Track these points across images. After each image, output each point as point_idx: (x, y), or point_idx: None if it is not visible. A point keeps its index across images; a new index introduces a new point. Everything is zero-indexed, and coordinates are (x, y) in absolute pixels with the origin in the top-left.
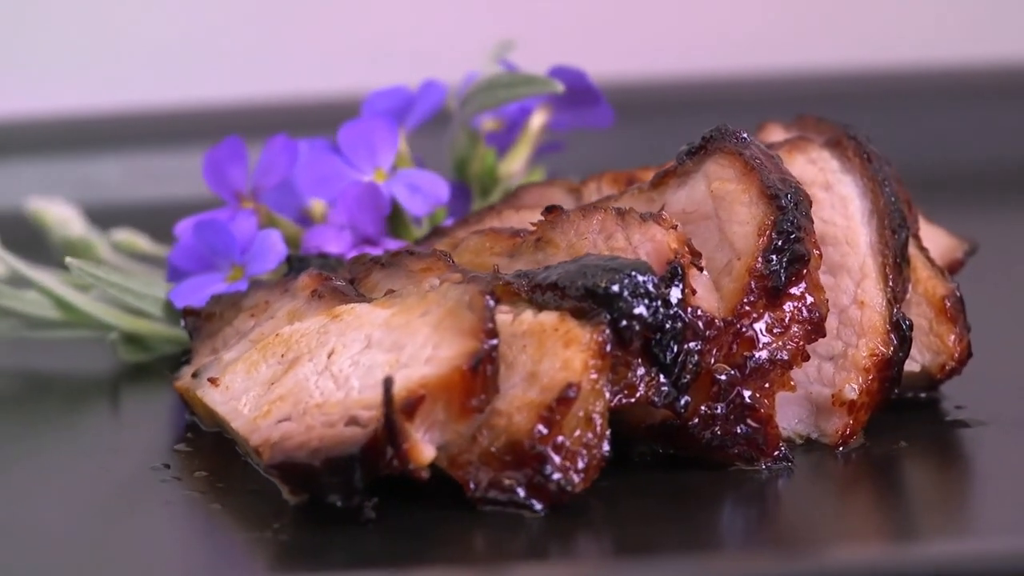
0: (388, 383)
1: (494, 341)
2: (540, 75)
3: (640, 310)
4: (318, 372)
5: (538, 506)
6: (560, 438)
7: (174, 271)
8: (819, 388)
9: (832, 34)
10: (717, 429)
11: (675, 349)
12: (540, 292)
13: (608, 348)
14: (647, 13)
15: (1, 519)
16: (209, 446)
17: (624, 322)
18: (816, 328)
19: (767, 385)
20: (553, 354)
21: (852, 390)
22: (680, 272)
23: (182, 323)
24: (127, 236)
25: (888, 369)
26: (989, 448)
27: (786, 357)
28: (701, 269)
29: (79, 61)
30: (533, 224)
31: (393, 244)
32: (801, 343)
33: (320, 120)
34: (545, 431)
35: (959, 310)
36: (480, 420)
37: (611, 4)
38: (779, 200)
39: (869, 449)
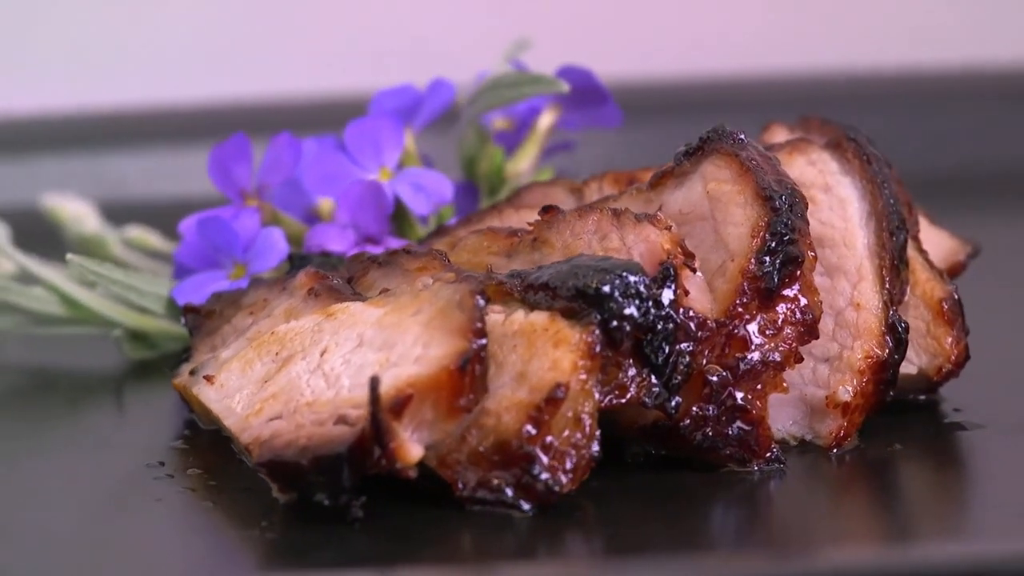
0: (374, 382)
1: (483, 341)
2: (545, 75)
3: (630, 311)
4: (310, 371)
5: (526, 506)
6: (549, 438)
7: (180, 268)
8: (813, 390)
9: (839, 36)
10: (709, 430)
11: (666, 350)
12: (532, 292)
13: (598, 349)
14: (658, 14)
15: None
16: (206, 444)
17: (614, 323)
18: (809, 330)
19: (759, 386)
20: (543, 354)
21: (846, 392)
22: (672, 273)
23: (182, 320)
24: (139, 233)
25: (883, 371)
26: (985, 451)
27: (778, 358)
28: (694, 270)
29: (95, 59)
30: (530, 224)
31: (396, 243)
32: (794, 345)
33: (334, 118)
34: (533, 431)
35: (957, 313)
36: (469, 420)
37: (623, 5)
38: (773, 202)
39: (864, 451)
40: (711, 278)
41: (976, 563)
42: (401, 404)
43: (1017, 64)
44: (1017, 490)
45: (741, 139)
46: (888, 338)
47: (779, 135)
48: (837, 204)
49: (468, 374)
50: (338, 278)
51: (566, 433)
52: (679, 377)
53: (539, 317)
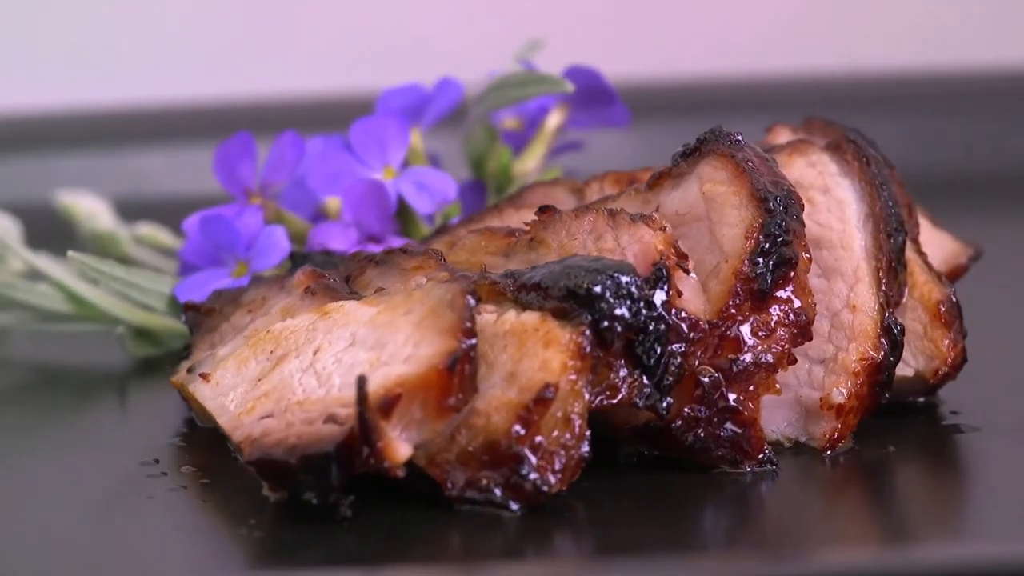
0: (361, 381)
1: (472, 341)
2: (551, 75)
3: (621, 311)
4: (303, 369)
5: (514, 506)
6: (538, 438)
7: (185, 266)
8: (808, 391)
9: (846, 37)
10: (700, 431)
11: (658, 351)
12: (525, 292)
13: (588, 349)
14: (667, 14)
15: None
16: (203, 442)
17: (605, 323)
18: (802, 331)
19: (751, 388)
20: (533, 354)
21: (840, 394)
22: (665, 274)
23: (182, 318)
24: (149, 230)
25: (878, 373)
26: (981, 453)
27: (771, 360)
28: (687, 271)
29: (112, 57)
30: (526, 224)
31: (398, 242)
32: (787, 346)
33: (346, 116)
34: (522, 431)
35: (954, 315)
36: (458, 419)
37: (632, 5)
38: (768, 203)
39: (858, 453)
40: (706, 279)
41: (971, 564)
42: (390, 403)
43: (1022, 66)
44: (1012, 492)
45: (738, 140)
46: (883, 340)
47: (782, 136)
48: (835, 206)
49: (457, 374)
50: (336, 277)
51: (555, 433)
52: (670, 378)
53: (530, 317)
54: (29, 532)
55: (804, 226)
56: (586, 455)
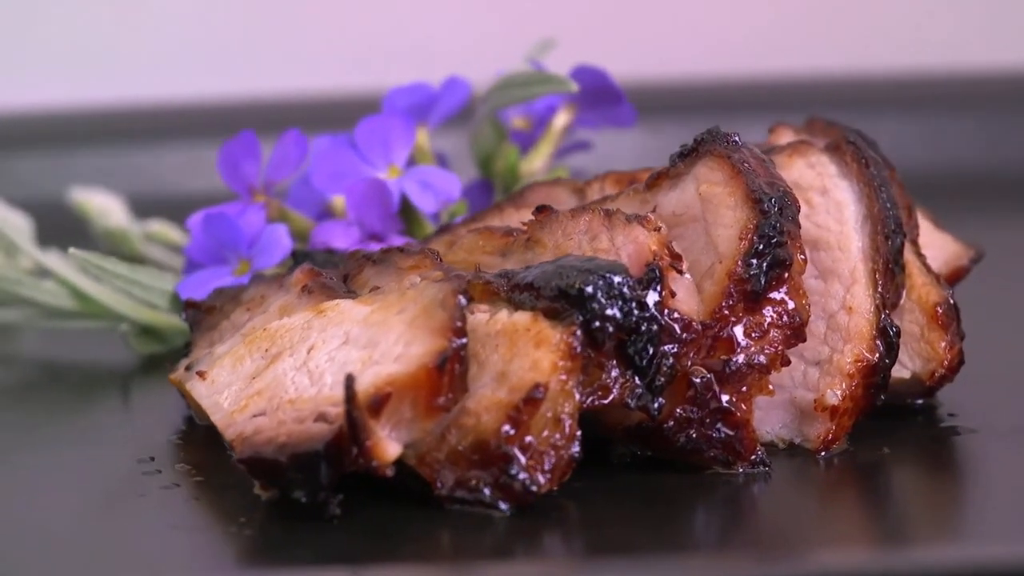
0: (349, 380)
1: (462, 340)
2: (556, 74)
3: (613, 311)
4: (296, 368)
5: (504, 506)
6: (528, 438)
7: (190, 263)
8: (803, 393)
9: (853, 38)
10: (692, 432)
11: (650, 351)
12: (518, 292)
13: (578, 349)
14: (678, 15)
15: None
16: (200, 439)
17: (596, 323)
18: (796, 333)
19: (744, 389)
20: (523, 354)
21: (834, 395)
22: (658, 274)
23: (183, 315)
24: (160, 227)
25: (873, 375)
26: (976, 455)
27: (764, 361)
28: (680, 272)
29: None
30: (523, 224)
31: (401, 241)
32: (780, 347)
33: (355, 115)
34: (512, 431)
35: (951, 317)
36: (449, 419)
37: (645, 5)
38: (762, 204)
39: (853, 455)
40: (700, 280)
41: (965, 566)
42: (380, 402)
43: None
44: (1007, 494)
45: (735, 141)
46: (879, 342)
47: (785, 137)
48: (833, 207)
49: (447, 373)
50: (334, 275)
51: (545, 433)
52: (662, 379)
53: (522, 317)
54: (20, 528)
55: (799, 227)
56: (577, 455)
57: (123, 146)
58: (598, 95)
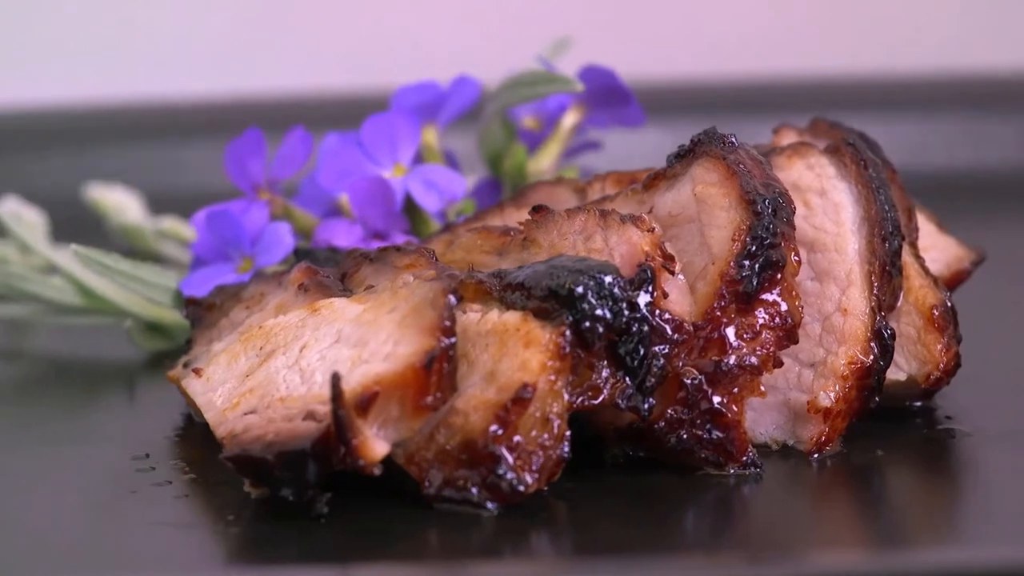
0: (335, 379)
1: (451, 340)
2: (562, 74)
3: (603, 312)
4: (288, 366)
5: (491, 505)
6: (516, 438)
7: (196, 261)
8: (797, 394)
9: (863, 39)
10: (684, 433)
11: (641, 352)
12: (510, 291)
13: (567, 349)
14: (694, 15)
15: None
16: (197, 437)
17: (587, 323)
18: (788, 334)
19: (736, 390)
20: (513, 354)
21: (827, 397)
22: (649, 275)
23: (183, 312)
24: (172, 224)
25: (867, 377)
26: (970, 458)
27: (755, 362)
28: (672, 272)
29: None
30: (520, 223)
31: (403, 239)
32: (772, 349)
33: (369, 113)
34: (499, 431)
35: (948, 320)
36: (438, 418)
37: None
38: (756, 206)
39: (846, 457)
40: (694, 280)
41: (958, 568)
42: (367, 401)
43: None
44: (1001, 497)
45: (732, 142)
46: (874, 344)
47: (789, 138)
48: (831, 209)
49: (434, 372)
50: (331, 274)
51: (533, 433)
52: (652, 380)
53: (512, 317)
54: (8, 524)
55: (794, 229)
56: (566, 455)
57: (144, 143)
58: (607, 95)
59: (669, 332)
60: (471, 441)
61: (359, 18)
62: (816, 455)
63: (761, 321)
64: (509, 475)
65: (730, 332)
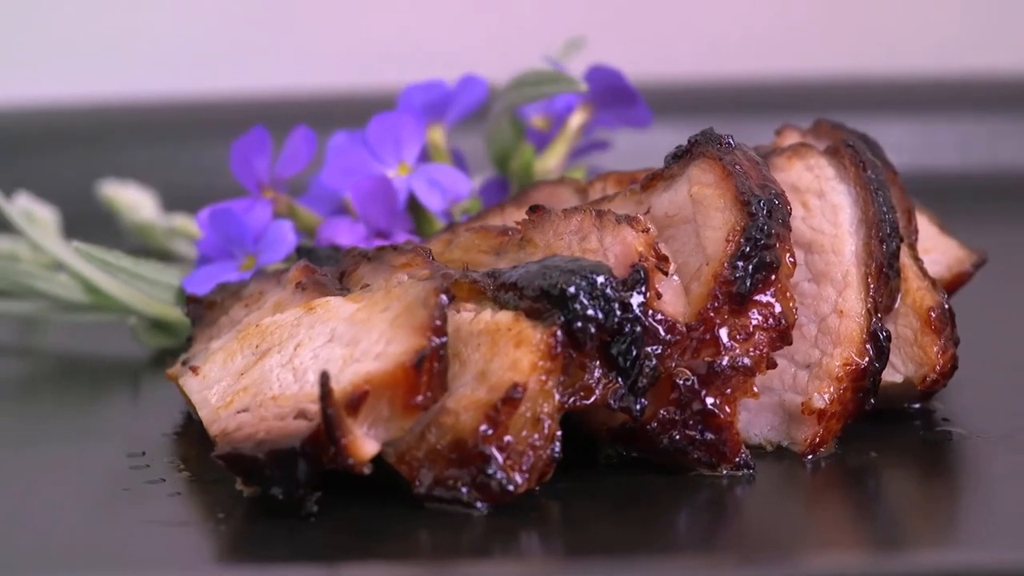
0: (324, 378)
1: (442, 339)
2: (567, 74)
3: (595, 312)
4: (282, 364)
5: (481, 505)
6: (507, 438)
7: (201, 258)
8: (792, 396)
9: (872, 40)
10: (676, 434)
11: (633, 352)
12: (503, 291)
13: (558, 350)
14: (703, 15)
15: None
16: (195, 435)
17: (578, 323)
18: (782, 336)
19: (729, 391)
20: (504, 354)
21: (821, 399)
22: (642, 276)
23: (184, 310)
24: (183, 222)
25: (862, 379)
26: (965, 460)
27: (748, 363)
28: (666, 273)
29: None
30: (517, 223)
31: (405, 238)
32: (766, 350)
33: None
34: (490, 431)
35: (945, 322)
36: (428, 417)
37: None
38: (750, 207)
39: (841, 458)
40: (688, 281)
41: (950, 570)
42: (357, 400)
43: None
44: (995, 500)
45: (729, 143)
46: (869, 346)
47: (791, 138)
48: (829, 210)
49: (425, 372)
50: (330, 272)
51: (524, 433)
52: (645, 380)
53: (504, 316)
54: (1, 521)
55: (790, 230)
56: (557, 455)
57: (162, 140)
58: (614, 95)
59: (662, 333)
60: (461, 440)
61: (369, 18)
62: (810, 456)
63: (755, 322)
64: (499, 475)
65: (723, 333)
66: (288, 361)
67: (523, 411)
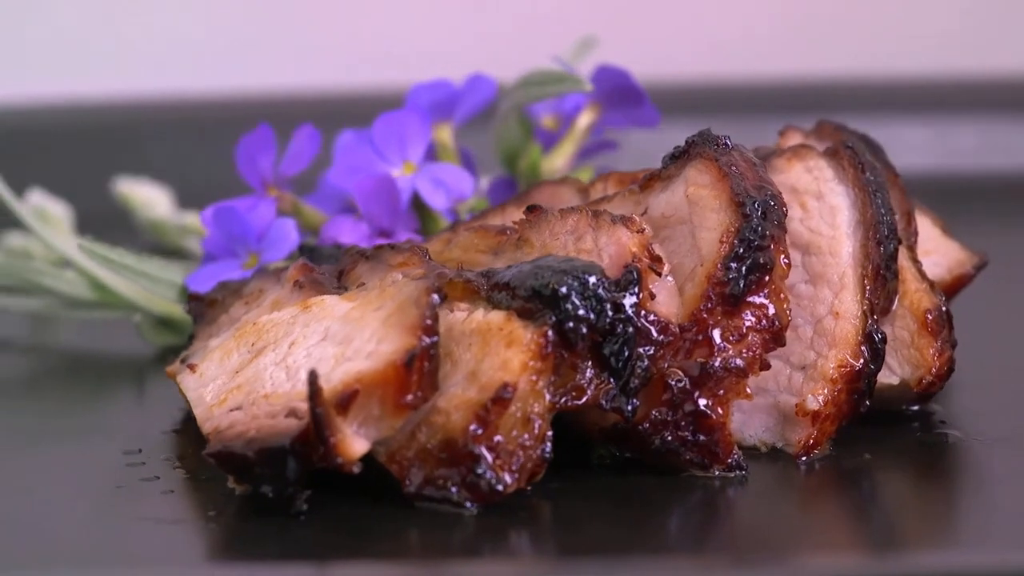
0: (312, 376)
1: (433, 338)
2: (572, 74)
3: (586, 312)
4: (276, 362)
5: (470, 505)
6: (497, 438)
7: (207, 256)
8: (787, 397)
9: (884, 40)
10: (668, 435)
11: (625, 353)
12: (497, 291)
13: (549, 350)
14: (712, 15)
15: None
16: (193, 432)
17: (570, 324)
18: (775, 337)
19: (721, 392)
20: (495, 353)
21: (815, 400)
22: (635, 276)
23: (185, 308)
24: (195, 218)
25: (856, 381)
26: (960, 463)
27: (741, 365)
28: (660, 274)
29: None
30: (514, 223)
31: (412, 237)
32: (759, 351)
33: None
34: (479, 430)
35: (941, 324)
36: (419, 416)
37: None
38: (744, 208)
39: (835, 460)
40: (683, 282)
41: (944, 572)
42: (347, 399)
43: None
44: (990, 502)
45: (726, 144)
46: (864, 348)
47: (794, 140)
48: (827, 212)
49: (415, 371)
50: (328, 271)
51: (514, 433)
52: (636, 381)
53: (496, 316)
54: None
55: (785, 232)
56: (547, 456)
57: (180, 137)
58: (621, 95)
59: (654, 333)
60: (451, 440)
61: (385, 18)
62: (804, 458)
63: (748, 323)
64: (488, 474)
65: (716, 334)
66: (282, 360)
67: (513, 411)
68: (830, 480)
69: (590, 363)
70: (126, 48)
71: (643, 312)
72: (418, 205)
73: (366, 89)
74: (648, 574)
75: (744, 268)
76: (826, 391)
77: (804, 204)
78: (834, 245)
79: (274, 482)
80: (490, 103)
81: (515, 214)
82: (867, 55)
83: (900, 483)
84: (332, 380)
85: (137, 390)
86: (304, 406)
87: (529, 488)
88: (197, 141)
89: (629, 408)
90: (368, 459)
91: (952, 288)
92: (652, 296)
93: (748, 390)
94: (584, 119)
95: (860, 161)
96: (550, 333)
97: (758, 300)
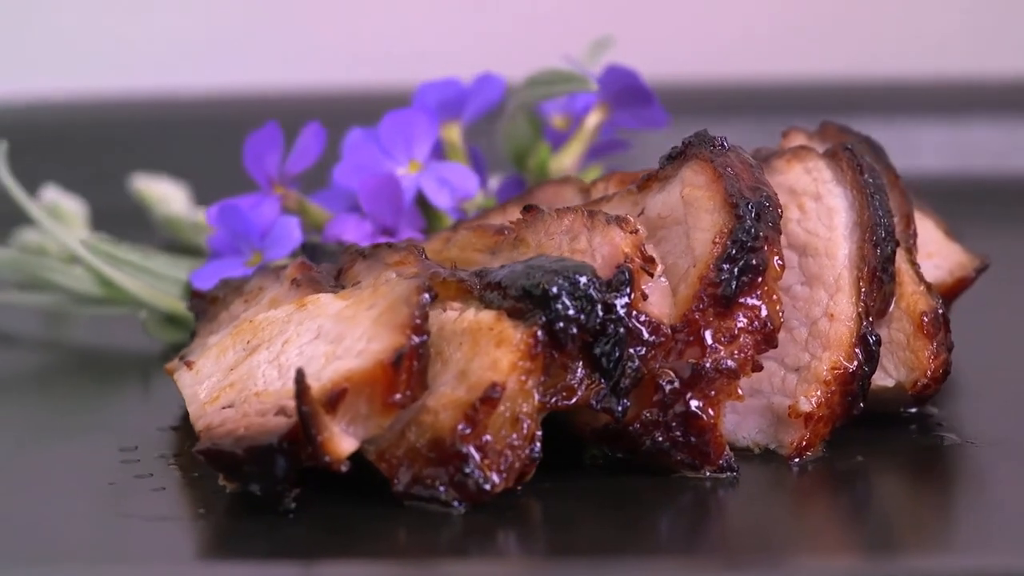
0: (299, 375)
1: (422, 337)
2: (578, 73)
3: (576, 313)
4: (269, 361)
5: (458, 504)
6: (485, 437)
7: (213, 253)
8: (780, 399)
9: (891, 41)
10: (659, 435)
11: (616, 353)
12: (489, 290)
13: (538, 350)
14: (722, 15)
15: None
16: (189, 429)
17: (560, 324)
18: (767, 339)
19: (712, 393)
20: (484, 353)
21: (808, 402)
22: (627, 277)
23: (187, 305)
24: (204, 216)
25: (850, 383)
26: (955, 465)
27: (732, 366)
28: (652, 274)
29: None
30: (511, 222)
31: (416, 236)
32: (750, 353)
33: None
34: (468, 430)
35: (937, 327)
36: (408, 416)
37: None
38: (738, 209)
39: (828, 462)
40: (677, 283)
41: (935, 574)
42: (336, 398)
43: None
44: (985, 504)
45: (722, 145)
46: (858, 350)
47: (797, 141)
48: (825, 213)
49: (404, 370)
50: (327, 269)
51: (503, 433)
52: (627, 381)
53: (486, 316)
54: None
55: (780, 234)
56: (536, 456)
57: (196, 134)
58: (629, 95)
59: (646, 334)
60: (440, 439)
61: (398, 16)
62: (797, 460)
63: (740, 325)
64: (476, 474)
65: (708, 335)
66: (275, 358)
67: (502, 411)
68: (823, 482)
69: (581, 363)
70: (144, 46)
71: (635, 313)
72: (425, 204)
73: (379, 88)
74: (638, 575)
75: (737, 269)
76: (819, 393)
77: (802, 205)
78: (831, 247)
79: (263, 480)
80: (499, 102)
81: (515, 213)
82: (882, 56)
83: (893, 485)
84: (322, 378)
85: (142, 387)
86: (294, 404)
87: (519, 488)
88: (215, 138)
89: (619, 408)
90: (357, 458)
91: (953, 291)
92: (644, 296)
93: (740, 391)
94: (592, 119)
95: (859, 163)
96: (540, 333)
97: (750, 302)
